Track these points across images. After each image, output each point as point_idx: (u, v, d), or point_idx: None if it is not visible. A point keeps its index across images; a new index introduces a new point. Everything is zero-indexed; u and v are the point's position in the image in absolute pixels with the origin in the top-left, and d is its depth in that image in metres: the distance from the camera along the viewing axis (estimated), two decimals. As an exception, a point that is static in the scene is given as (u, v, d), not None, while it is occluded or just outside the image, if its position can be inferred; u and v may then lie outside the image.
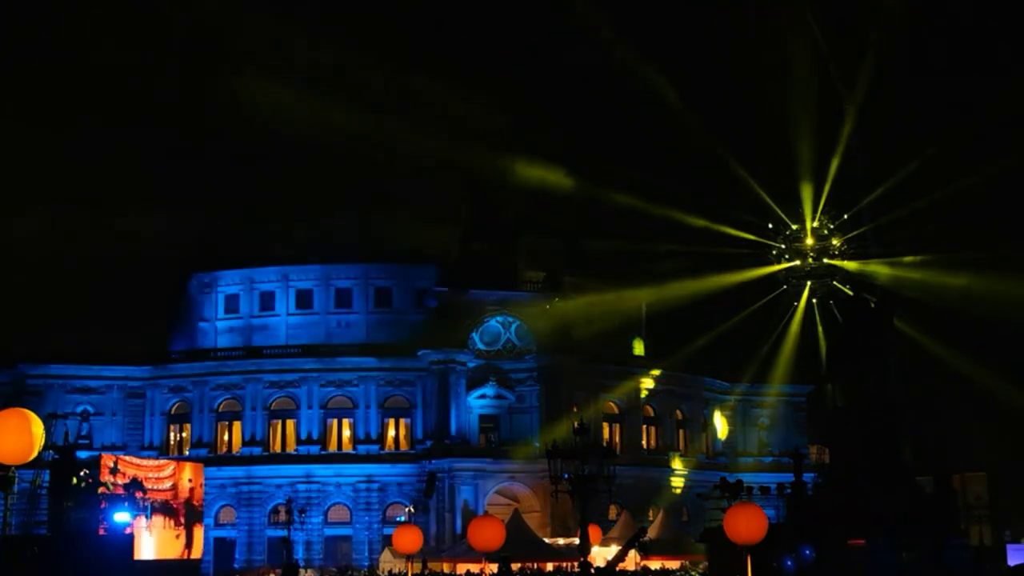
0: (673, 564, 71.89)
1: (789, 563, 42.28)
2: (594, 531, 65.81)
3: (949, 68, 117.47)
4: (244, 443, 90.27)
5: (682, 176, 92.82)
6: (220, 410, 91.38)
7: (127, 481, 65.05)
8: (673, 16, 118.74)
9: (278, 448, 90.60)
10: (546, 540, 78.14)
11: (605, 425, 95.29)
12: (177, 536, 71.50)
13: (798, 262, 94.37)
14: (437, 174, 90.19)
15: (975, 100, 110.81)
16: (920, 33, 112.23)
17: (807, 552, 43.06)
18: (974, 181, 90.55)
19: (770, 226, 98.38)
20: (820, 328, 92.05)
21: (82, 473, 54.08)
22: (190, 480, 75.56)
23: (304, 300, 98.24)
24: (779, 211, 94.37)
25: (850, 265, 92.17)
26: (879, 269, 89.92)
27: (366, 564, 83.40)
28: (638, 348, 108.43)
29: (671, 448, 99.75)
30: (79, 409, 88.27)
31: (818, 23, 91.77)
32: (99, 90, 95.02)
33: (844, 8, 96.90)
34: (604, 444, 70.95)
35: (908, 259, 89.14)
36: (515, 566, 62.48)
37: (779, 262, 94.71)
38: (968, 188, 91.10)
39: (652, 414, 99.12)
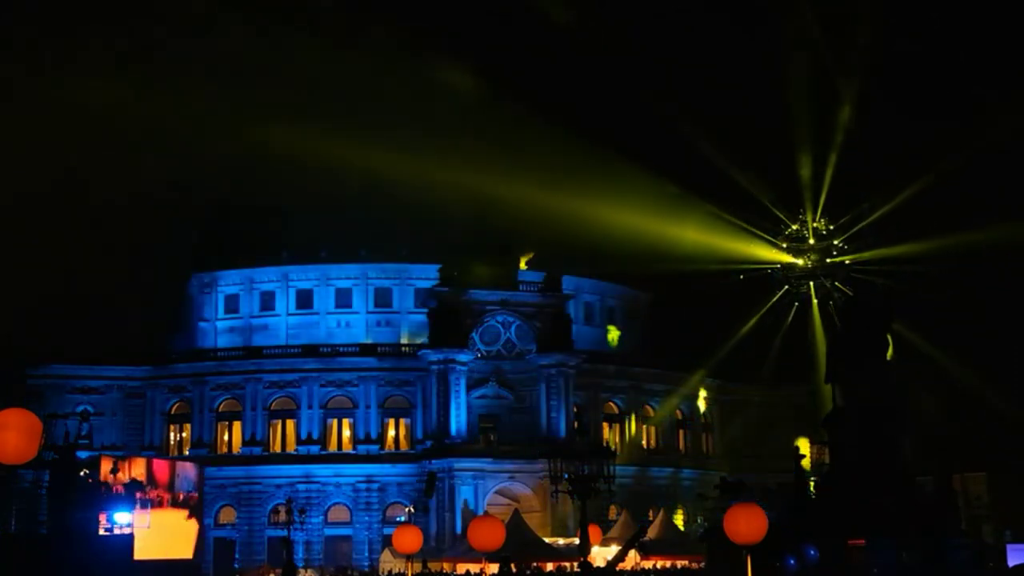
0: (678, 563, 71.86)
1: (792, 562, 42.19)
2: (594, 531, 65.79)
3: (948, 66, 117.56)
4: (244, 443, 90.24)
5: (682, 177, 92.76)
6: (220, 410, 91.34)
7: (127, 481, 65.14)
8: (673, 19, 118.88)
9: (278, 448, 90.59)
10: (546, 540, 78.11)
11: (605, 425, 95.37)
12: (177, 536, 71.49)
13: (800, 262, 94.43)
14: (438, 174, 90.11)
15: (973, 97, 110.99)
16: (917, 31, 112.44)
17: (811, 552, 42.95)
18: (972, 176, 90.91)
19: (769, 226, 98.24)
20: (820, 328, 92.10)
21: (82, 473, 54.13)
22: (190, 480, 75.53)
23: (304, 300, 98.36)
24: (778, 212, 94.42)
25: (849, 261, 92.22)
26: (880, 252, 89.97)
27: (366, 564, 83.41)
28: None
29: (671, 448, 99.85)
30: (79, 409, 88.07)
31: (817, 23, 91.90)
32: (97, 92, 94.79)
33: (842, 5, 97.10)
34: (604, 444, 71.02)
35: (905, 249, 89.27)
36: (515, 566, 62.43)
37: (779, 264, 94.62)
38: (966, 183, 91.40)
39: (652, 414, 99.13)
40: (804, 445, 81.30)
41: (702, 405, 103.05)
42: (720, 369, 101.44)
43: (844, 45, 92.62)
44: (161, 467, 73.79)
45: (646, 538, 72.76)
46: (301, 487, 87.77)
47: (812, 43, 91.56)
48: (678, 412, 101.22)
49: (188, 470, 76.02)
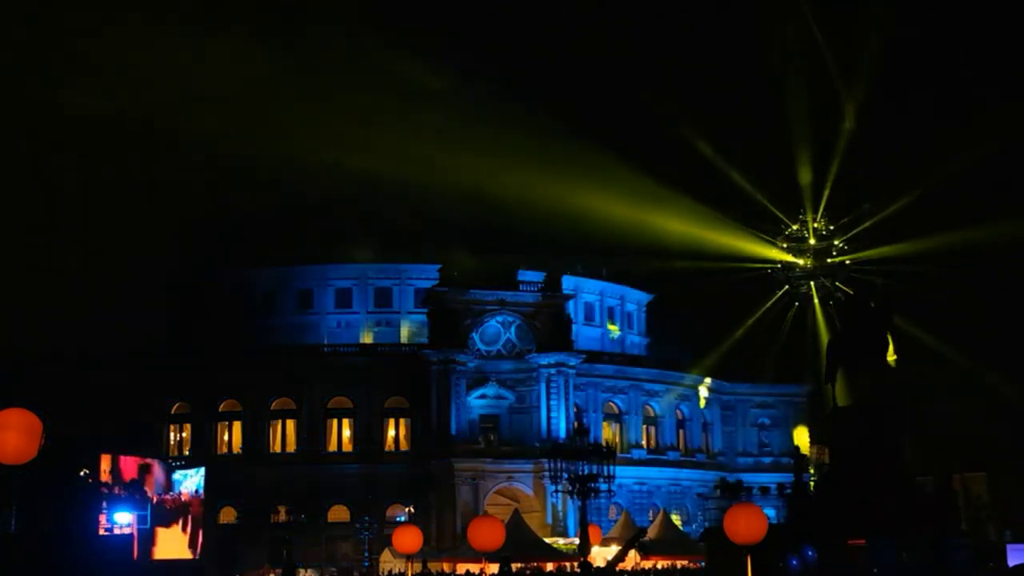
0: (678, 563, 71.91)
1: (794, 563, 42.21)
2: (594, 531, 65.85)
3: (947, 64, 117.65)
4: (244, 443, 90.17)
5: (681, 177, 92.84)
6: (220, 410, 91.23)
7: (127, 481, 65.04)
8: (673, 19, 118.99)
9: (278, 448, 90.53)
10: (546, 540, 78.14)
11: (605, 425, 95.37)
12: (177, 536, 71.40)
13: (801, 261, 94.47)
14: (438, 174, 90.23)
15: (972, 95, 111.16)
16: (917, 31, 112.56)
17: (810, 553, 42.98)
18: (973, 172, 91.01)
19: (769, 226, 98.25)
20: (821, 328, 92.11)
21: (82, 473, 54.15)
22: (190, 480, 75.32)
23: (304, 300, 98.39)
24: (778, 212, 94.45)
25: (849, 261, 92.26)
26: (880, 252, 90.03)
27: (366, 564, 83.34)
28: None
29: (671, 448, 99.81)
30: (80, 409, 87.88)
31: (817, 23, 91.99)
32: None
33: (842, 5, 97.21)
34: (604, 444, 71.00)
35: (906, 247, 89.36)
36: (515, 566, 62.47)
37: (779, 264, 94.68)
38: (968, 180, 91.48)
39: (652, 414, 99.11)
40: (804, 444, 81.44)
41: (702, 405, 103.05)
42: (720, 369, 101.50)
43: (845, 46, 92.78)
44: (161, 467, 73.55)
45: (646, 538, 72.85)
46: (303, 487, 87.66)
47: (812, 44, 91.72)
48: (678, 412, 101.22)
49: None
